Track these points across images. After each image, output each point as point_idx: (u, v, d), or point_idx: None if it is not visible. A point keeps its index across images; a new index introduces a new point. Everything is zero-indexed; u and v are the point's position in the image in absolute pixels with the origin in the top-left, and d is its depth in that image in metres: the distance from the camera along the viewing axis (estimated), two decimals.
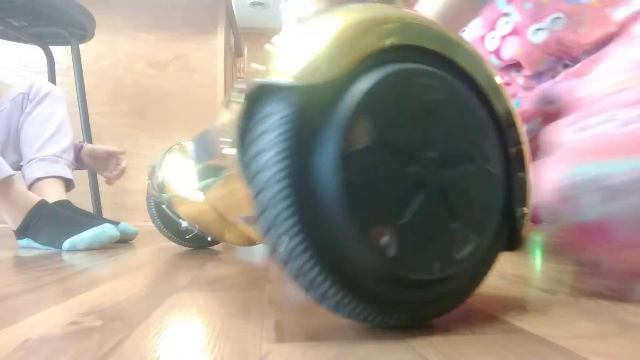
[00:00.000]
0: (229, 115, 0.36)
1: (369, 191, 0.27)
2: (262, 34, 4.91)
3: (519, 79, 0.75)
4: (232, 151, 0.31)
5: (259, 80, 0.29)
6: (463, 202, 0.30)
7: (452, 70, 0.32)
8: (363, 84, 0.28)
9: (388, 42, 0.29)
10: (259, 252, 0.84)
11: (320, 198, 0.27)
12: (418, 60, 0.31)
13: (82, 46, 1.54)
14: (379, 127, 0.28)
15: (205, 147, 0.42)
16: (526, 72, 0.72)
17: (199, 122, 1.97)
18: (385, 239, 0.27)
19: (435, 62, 0.32)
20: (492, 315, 0.35)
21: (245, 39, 4.26)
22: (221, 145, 0.36)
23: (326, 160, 0.27)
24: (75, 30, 1.48)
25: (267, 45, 0.55)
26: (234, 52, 2.53)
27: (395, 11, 0.31)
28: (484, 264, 0.34)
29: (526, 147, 0.35)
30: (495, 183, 0.32)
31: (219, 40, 2.02)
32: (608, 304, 0.39)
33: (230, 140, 0.31)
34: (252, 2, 4.39)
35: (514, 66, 0.76)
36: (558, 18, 0.67)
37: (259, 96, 0.29)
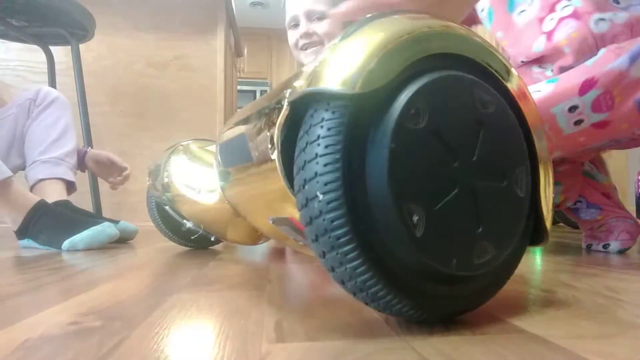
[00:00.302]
0: (263, 120, 0.37)
1: (411, 168, 0.29)
2: (262, 34, 4.92)
3: (548, 72, 0.75)
4: (274, 153, 0.32)
5: (310, 88, 0.29)
6: (489, 215, 0.32)
7: (491, 82, 0.34)
8: (425, 79, 0.30)
9: (434, 50, 0.31)
10: (259, 252, 0.84)
11: (368, 177, 0.29)
12: (462, 69, 0.33)
13: (82, 46, 1.54)
14: (434, 116, 0.30)
15: (238, 150, 0.42)
16: (566, 60, 0.71)
17: (199, 122, 1.97)
18: (416, 218, 0.28)
19: (477, 72, 0.34)
20: (492, 315, 0.35)
21: (245, 39, 4.27)
22: (261, 148, 0.36)
23: (379, 135, 0.29)
24: (75, 30, 1.48)
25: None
26: (234, 52, 2.53)
27: (437, 21, 0.33)
28: (510, 265, 0.36)
29: (550, 159, 0.37)
30: (521, 207, 0.34)
31: (219, 40, 2.02)
32: (608, 304, 0.39)
33: (273, 144, 0.33)
34: (252, 2, 4.39)
35: (537, 61, 0.76)
36: (616, 15, 0.69)
37: (305, 103, 0.30)
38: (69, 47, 1.51)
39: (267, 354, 0.26)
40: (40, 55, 1.63)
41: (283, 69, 4.95)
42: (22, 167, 1.14)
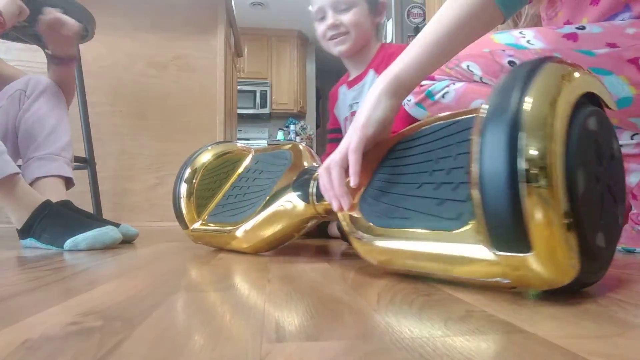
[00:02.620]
0: None
1: (582, 150, 0.37)
2: (262, 34, 4.92)
3: None
4: None
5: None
6: (607, 217, 0.41)
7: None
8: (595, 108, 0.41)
9: (580, 91, 0.40)
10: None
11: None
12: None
13: (82, 46, 1.54)
14: (598, 129, 0.40)
15: None
16: None
17: (199, 122, 1.98)
18: (580, 179, 0.37)
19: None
20: (492, 315, 0.35)
21: (245, 39, 4.27)
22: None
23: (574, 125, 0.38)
24: None
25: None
26: (234, 52, 2.53)
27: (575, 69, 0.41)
28: (611, 257, 0.44)
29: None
30: (619, 230, 0.45)
31: (219, 40, 2.02)
32: (608, 304, 0.39)
33: None
34: (252, 2, 4.40)
35: None
36: None
37: None
38: None
39: (267, 354, 0.26)
40: (40, 55, 1.62)
41: (283, 69, 4.95)
42: (18, 162, 1.12)
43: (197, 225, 0.87)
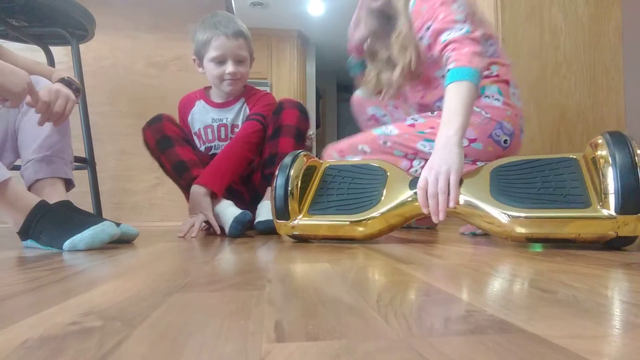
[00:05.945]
0: None
1: None
2: (262, 34, 4.92)
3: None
4: None
5: None
6: None
7: None
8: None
9: None
10: (259, 252, 0.84)
11: None
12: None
13: (82, 46, 1.54)
14: None
15: None
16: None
17: None
18: None
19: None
20: (492, 315, 0.35)
21: None
22: None
23: None
24: (75, 30, 1.49)
25: None
26: None
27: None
28: None
29: None
30: None
31: None
32: (608, 304, 0.39)
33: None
34: (252, 2, 4.40)
35: None
36: None
37: None
38: (69, 47, 1.51)
39: (267, 354, 0.26)
40: (40, 55, 1.63)
41: (283, 69, 4.95)
42: (18, 164, 1.12)
43: (299, 219, 1.00)
